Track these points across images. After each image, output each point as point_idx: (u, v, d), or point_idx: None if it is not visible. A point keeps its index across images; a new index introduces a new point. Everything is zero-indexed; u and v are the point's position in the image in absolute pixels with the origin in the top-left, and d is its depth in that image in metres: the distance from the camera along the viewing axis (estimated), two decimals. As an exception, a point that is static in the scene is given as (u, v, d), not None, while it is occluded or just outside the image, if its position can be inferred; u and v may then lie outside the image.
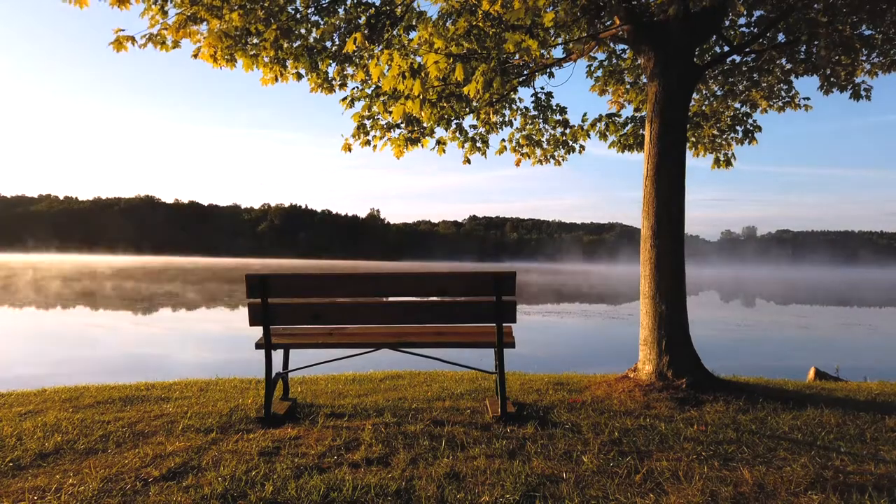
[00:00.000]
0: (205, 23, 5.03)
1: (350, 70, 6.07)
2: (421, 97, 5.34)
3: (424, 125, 6.30)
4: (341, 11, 5.51)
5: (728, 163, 7.04)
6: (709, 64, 5.56)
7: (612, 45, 6.47)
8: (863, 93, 5.68)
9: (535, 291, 34.49)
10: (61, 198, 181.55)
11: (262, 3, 5.00)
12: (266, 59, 5.39)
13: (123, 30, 4.85)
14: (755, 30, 5.72)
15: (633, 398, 4.45)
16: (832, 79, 5.75)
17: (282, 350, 4.26)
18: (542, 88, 6.89)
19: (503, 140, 7.25)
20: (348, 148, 6.39)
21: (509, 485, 2.75)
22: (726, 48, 5.74)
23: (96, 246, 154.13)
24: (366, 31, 5.11)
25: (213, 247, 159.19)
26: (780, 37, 5.68)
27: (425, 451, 3.22)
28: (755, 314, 23.85)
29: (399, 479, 2.82)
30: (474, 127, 6.79)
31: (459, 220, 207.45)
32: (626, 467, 3.00)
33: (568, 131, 7.16)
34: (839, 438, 3.58)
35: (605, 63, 6.80)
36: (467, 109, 6.49)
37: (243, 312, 18.61)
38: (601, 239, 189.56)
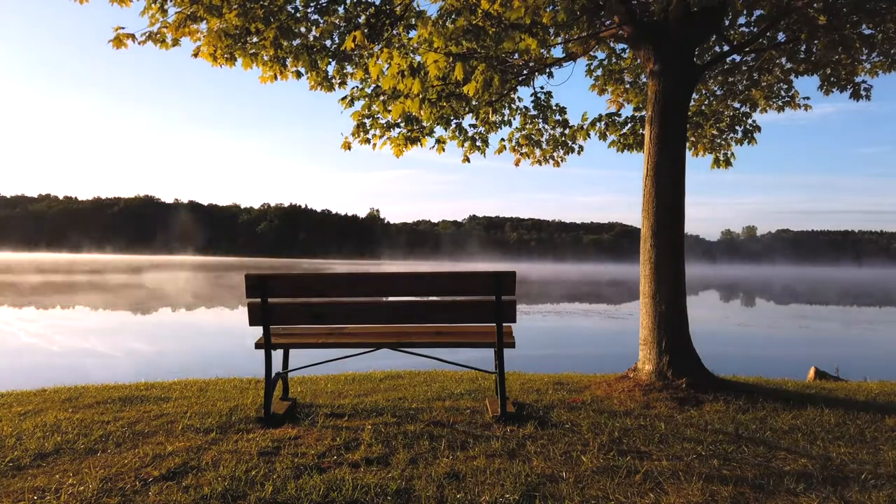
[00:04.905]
0: (204, 22, 5.02)
1: (349, 69, 6.07)
2: (420, 96, 5.34)
3: (424, 124, 6.30)
4: (341, 10, 5.51)
5: (727, 162, 7.04)
6: (709, 63, 5.55)
7: (611, 44, 6.47)
8: (863, 92, 5.67)
9: (534, 291, 34.48)
10: (61, 198, 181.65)
11: (261, 2, 5.00)
12: (265, 58, 5.39)
13: (123, 27, 4.85)
14: (755, 29, 5.71)
15: (633, 398, 4.44)
16: (832, 78, 5.75)
17: (281, 350, 4.25)
18: (542, 88, 6.88)
19: (502, 139, 7.25)
20: (348, 146, 6.40)
21: (509, 484, 2.75)
22: (726, 48, 5.73)
23: (96, 246, 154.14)
24: (365, 30, 5.10)
25: (213, 246, 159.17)
26: (781, 36, 5.68)
27: (425, 451, 3.22)
28: (755, 314, 23.85)
29: (399, 478, 2.82)
30: (474, 126, 6.79)
31: (459, 220, 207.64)
32: (625, 467, 3.00)
33: (567, 131, 7.15)
34: (839, 438, 3.58)
35: (605, 62, 6.80)
36: (467, 109, 6.49)
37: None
38: (601, 239, 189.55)
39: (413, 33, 5.68)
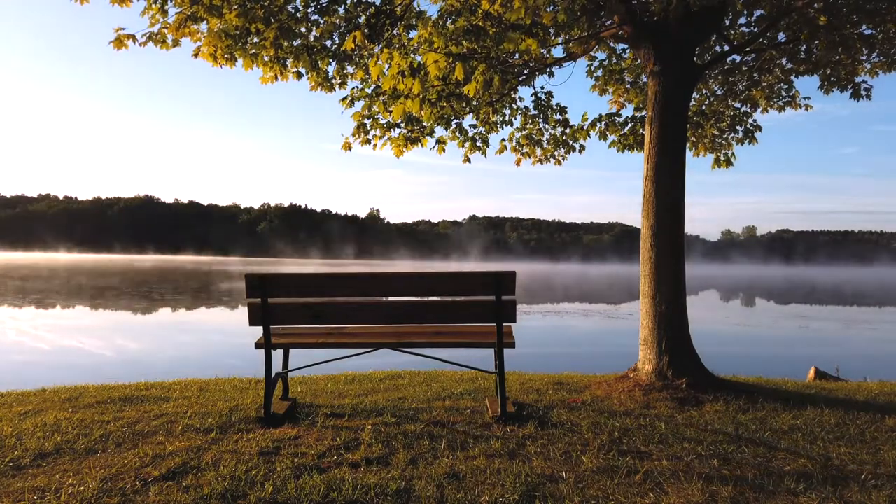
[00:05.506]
0: (204, 22, 5.02)
1: (350, 69, 6.07)
2: (421, 96, 5.34)
3: (424, 124, 6.30)
4: (341, 10, 5.51)
5: (728, 162, 7.04)
6: (709, 63, 5.55)
7: (611, 44, 6.47)
8: (863, 92, 5.67)
9: (534, 291, 34.48)
10: (61, 197, 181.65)
11: (261, 3, 5.00)
12: (266, 59, 5.38)
13: (124, 28, 4.85)
14: (755, 29, 5.71)
15: (633, 398, 4.44)
16: (832, 78, 5.74)
17: (281, 350, 4.25)
18: (542, 88, 6.89)
19: (503, 139, 7.26)
20: (348, 147, 6.40)
21: (509, 484, 2.75)
22: (726, 48, 5.73)
23: (96, 246, 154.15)
24: (366, 31, 5.10)
25: (213, 246, 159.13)
26: (781, 36, 5.68)
27: (425, 451, 3.22)
28: (755, 313, 23.85)
29: (399, 479, 2.82)
30: (474, 126, 6.79)
31: (459, 220, 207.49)
32: (625, 467, 3.00)
33: (568, 131, 7.15)
34: (839, 438, 3.58)
35: (605, 63, 6.80)
36: (467, 109, 6.49)
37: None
38: (601, 239, 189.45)
39: (413, 33, 5.68)
